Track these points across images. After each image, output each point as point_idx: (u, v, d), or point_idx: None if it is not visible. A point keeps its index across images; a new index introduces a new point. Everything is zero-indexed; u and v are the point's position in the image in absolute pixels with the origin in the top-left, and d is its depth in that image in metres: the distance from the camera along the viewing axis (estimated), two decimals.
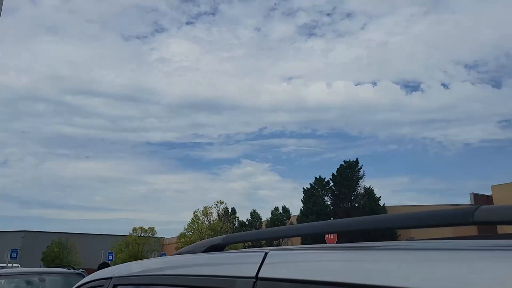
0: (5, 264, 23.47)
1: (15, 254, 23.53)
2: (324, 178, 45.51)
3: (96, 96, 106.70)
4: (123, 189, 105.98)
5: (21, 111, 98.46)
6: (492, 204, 43.20)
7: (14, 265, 23.38)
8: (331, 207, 43.81)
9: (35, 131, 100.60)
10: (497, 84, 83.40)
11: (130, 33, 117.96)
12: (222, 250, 1.73)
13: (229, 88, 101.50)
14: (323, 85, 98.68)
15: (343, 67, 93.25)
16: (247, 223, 50.84)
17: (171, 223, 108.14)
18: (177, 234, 55.65)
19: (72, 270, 7.41)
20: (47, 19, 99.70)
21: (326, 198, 45.04)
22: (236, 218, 50.70)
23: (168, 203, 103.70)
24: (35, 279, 7.08)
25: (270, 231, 1.51)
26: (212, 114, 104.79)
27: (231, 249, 1.77)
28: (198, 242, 1.86)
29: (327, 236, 14.25)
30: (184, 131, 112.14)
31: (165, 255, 32.31)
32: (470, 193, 44.36)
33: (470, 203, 43.40)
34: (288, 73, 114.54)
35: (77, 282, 7.24)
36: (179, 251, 2.01)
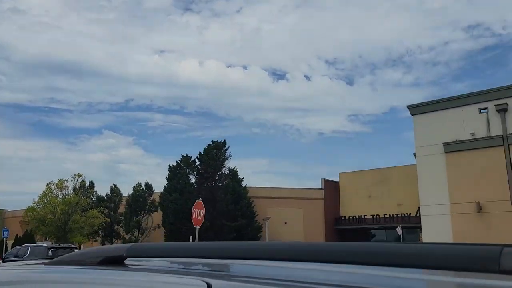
0: None
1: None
2: (191, 157, 45.42)
3: None
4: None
5: None
6: (339, 189, 47.85)
7: None
8: (195, 186, 44.02)
9: None
10: (350, 82, 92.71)
11: None
12: (123, 265, 1.35)
13: (94, 53, 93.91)
14: (196, 63, 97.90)
15: (216, 47, 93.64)
16: (106, 198, 48.26)
17: (15, 194, 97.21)
18: (23, 207, 50.19)
19: None
20: None
21: (191, 177, 45.07)
22: (94, 193, 47.72)
23: (13, 173, 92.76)
24: None
25: (205, 248, 1.20)
26: (73, 79, 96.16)
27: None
28: (90, 249, 1.44)
29: (193, 217, 14.10)
30: (39, 94, 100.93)
31: (7, 231, 28.77)
32: (321, 179, 48.74)
33: (320, 187, 47.77)
34: (160, 45, 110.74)
35: None
36: (58, 259, 1.56)
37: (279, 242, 1.15)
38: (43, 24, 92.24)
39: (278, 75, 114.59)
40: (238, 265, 1.26)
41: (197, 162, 45.13)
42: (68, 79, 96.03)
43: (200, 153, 45.05)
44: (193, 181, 44.86)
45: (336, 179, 48.71)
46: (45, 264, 1.56)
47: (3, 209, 57.22)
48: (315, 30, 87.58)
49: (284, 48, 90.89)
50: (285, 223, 44.30)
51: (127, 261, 1.35)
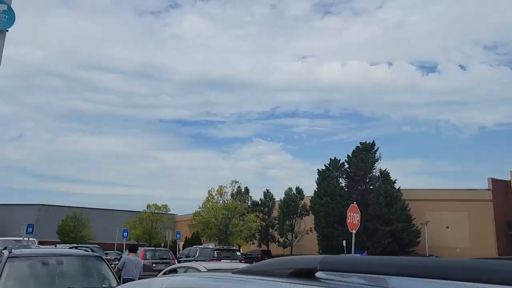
0: (21, 238, 23.65)
1: (31, 229, 23.66)
2: (339, 160, 44.95)
3: (109, 72, 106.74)
4: (135, 165, 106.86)
5: (35, 85, 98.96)
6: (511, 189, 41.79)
7: (30, 239, 23.58)
8: (345, 189, 43.37)
9: (49, 106, 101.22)
10: None
11: (144, 8, 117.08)
12: (315, 278, 1.26)
13: (241, 66, 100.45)
14: (337, 65, 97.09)
15: (358, 46, 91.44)
16: (260, 203, 50.77)
17: (182, 200, 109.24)
18: (188, 212, 55.99)
19: (91, 253, 7.12)
20: None
21: (340, 180, 44.58)
22: (249, 198, 50.62)
23: (180, 180, 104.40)
24: (52, 261, 6.79)
25: (412, 265, 1.03)
26: (225, 92, 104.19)
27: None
28: (280, 260, 1.39)
29: (349, 221, 13.74)
30: (196, 108, 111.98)
31: (179, 233, 32.13)
32: (488, 178, 43.50)
33: (488, 187, 42.66)
34: (302, 52, 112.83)
35: (94, 265, 6.85)
36: (245, 268, 1.56)
37: None
38: (197, 46, 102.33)
39: (428, 68, 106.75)
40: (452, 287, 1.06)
41: (346, 165, 44.45)
42: (221, 93, 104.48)
43: (348, 155, 44.31)
44: (343, 184, 44.29)
45: (506, 178, 42.93)
46: (233, 272, 1.57)
47: (174, 214, 64.52)
48: (468, 14, 79.26)
49: (433, 38, 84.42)
50: (447, 227, 40.67)
51: (319, 275, 1.26)
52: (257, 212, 46.54)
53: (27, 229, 23.52)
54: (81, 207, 60.68)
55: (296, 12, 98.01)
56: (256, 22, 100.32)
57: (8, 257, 6.50)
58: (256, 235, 47.74)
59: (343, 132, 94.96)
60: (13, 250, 7.05)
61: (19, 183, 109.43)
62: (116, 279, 6.78)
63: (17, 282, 6.19)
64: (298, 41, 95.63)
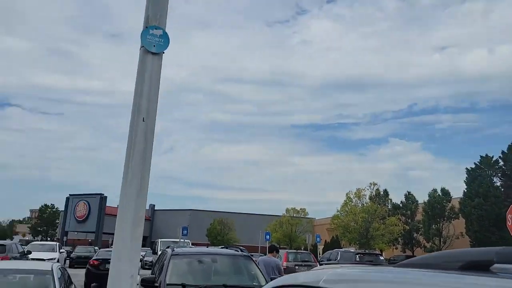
0: (178, 240, 26.33)
1: (185, 231, 26.32)
2: (492, 157, 40.30)
3: (244, 83, 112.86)
4: (272, 171, 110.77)
5: (181, 101, 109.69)
6: None
7: (185, 240, 26.10)
8: (502, 189, 38.63)
9: (194, 119, 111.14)
10: None
11: (272, 19, 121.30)
12: (491, 271, 1.18)
13: (373, 65, 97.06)
14: (484, 52, 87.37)
15: (507, 29, 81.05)
16: (401, 205, 48.20)
17: (318, 204, 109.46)
18: (325, 215, 55.81)
19: (241, 253, 7.60)
20: (198, 14, 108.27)
21: (494, 179, 39.90)
22: (389, 200, 48.40)
23: (316, 184, 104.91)
24: (208, 259, 7.42)
25: None
26: (357, 93, 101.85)
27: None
28: (445, 252, 1.33)
29: (509, 224, 12.22)
30: (329, 112, 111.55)
31: (319, 237, 32.16)
32: None
33: None
34: (440, 42, 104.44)
35: (244, 264, 7.22)
36: (408, 261, 1.53)
37: None
38: (326, 49, 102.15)
39: None
40: None
41: (501, 162, 39.63)
42: (352, 94, 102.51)
43: (503, 151, 39.47)
44: (498, 184, 39.56)
45: None
46: (394, 266, 1.54)
47: (312, 218, 64.98)
48: None
49: None
50: None
51: (495, 267, 1.17)
52: (399, 215, 44.21)
53: (182, 232, 26.19)
54: (226, 212, 65.01)
55: (430, 0, 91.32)
56: (387, 17, 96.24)
57: (172, 255, 7.31)
58: (399, 239, 45.33)
59: (494, 125, 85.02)
60: (174, 249, 7.91)
61: (173, 190, 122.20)
62: (264, 278, 7.11)
63: (179, 276, 6.90)
64: (435, 31, 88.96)
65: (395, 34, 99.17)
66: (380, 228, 38.62)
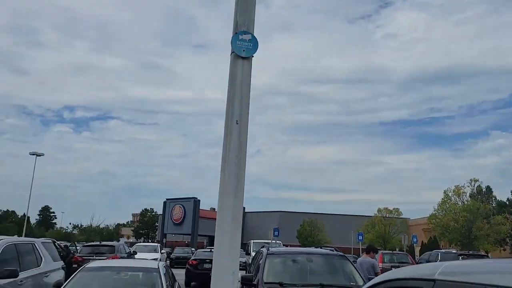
0: (270, 240, 26.75)
1: (277, 232, 26.67)
2: None
3: (327, 83, 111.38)
4: (360, 170, 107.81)
5: (265, 105, 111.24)
6: None
7: (277, 241, 26.42)
8: None
9: (278, 122, 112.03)
10: None
11: (354, 15, 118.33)
12: None
13: (467, 53, 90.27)
14: None
15: None
16: (507, 203, 44.16)
17: (412, 203, 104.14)
18: (420, 215, 52.91)
19: (336, 252, 7.52)
20: (277, 17, 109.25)
21: None
22: (493, 198, 44.56)
23: (407, 183, 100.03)
24: (303, 258, 7.45)
25: None
26: (449, 85, 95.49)
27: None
28: None
29: None
30: (419, 106, 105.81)
31: (416, 237, 30.62)
32: None
33: None
34: None
35: (340, 263, 7.09)
36: None
37: None
38: (413, 40, 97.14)
39: None
40: None
41: None
42: (444, 87, 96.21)
43: None
44: None
45: None
46: None
47: (406, 218, 62.06)
48: None
49: None
50: None
51: None
52: (506, 214, 40.50)
53: (274, 232, 26.57)
54: (315, 213, 64.59)
55: None
56: (480, 0, 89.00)
57: (268, 254, 7.46)
58: (507, 239, 41.50)
59: None
60: (270, 248, 8.06)
61: (262, 193, 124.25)
62: (362, 278, 6.96)
63: (276, 274, 7.01)
64: None
65: (490, 18, 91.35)
66: (485, 227, 35.67)
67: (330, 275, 7.17)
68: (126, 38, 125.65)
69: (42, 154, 40.20)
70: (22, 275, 7.21)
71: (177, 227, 62.58)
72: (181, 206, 62.13)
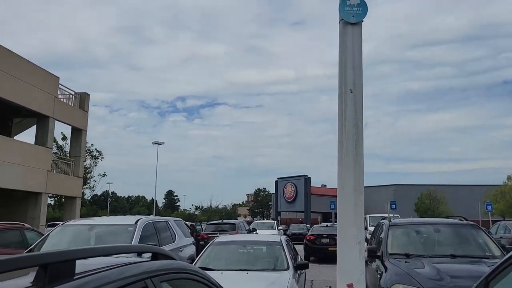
0: (386, 214, 25.95)
1: (394, 205, 25.80)
2: None
3: (437, 45, 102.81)
4: (481, 136, 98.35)
5: (370, 76, 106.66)
6: None
7: (395, 215, 25.54)
8: None
9: (384, 92, 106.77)
10: None
11: None
12: None
13: None
14: None
15: None
16: None
17: None
18: None
19: (467, 222, 7.03)
20: None
21: None
22: None
23: None
24: (429, 229, 7.10)
25: None
26: None
27: None
28: None
29: None
30: None
31: None
32: None
33: None
34: None
35: (471, 233, 6.58)
36: None
37: None
38: None
39: None
40: None
41: None
42: None
43: None
44: None
45: None
46: None
47: None
48: None
49: None
50: None
51: None
52: None
53: (390, 206, 25.76)
54: (434, 185, 60.83)
55: None
56: None
57: (390, 225, 7.25)
58: None
59: None
60: (391, 220, 7.82)
61: (373, 167, 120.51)
62: (500, 249, 6.41)
63: (400, 246, 6.77)
64: None
65: None
66: None
67: (461, 246, 6.73)
68: (227, 24, 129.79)
69: (163, 143, 43.72)
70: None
71: (290, 205, 63.89)
72: (292, 184, 63.16)
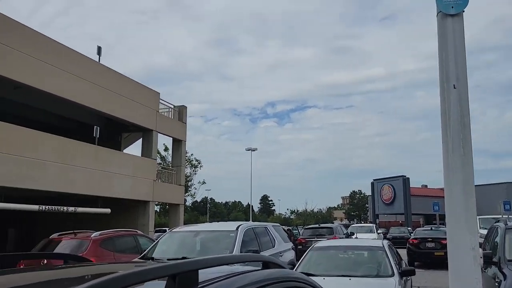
0: (499, 216, 23.69)
1: (508, 205, 23.45)
2: None
3: None
4: None
5: (471, 66, 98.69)
6: None
7: (509, 216, 23.21)
8: None
9: (488, 82, 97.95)
10: None
11: None
12: None
13: None
14: None
15: None
16: None
17: None
18: None
19: None
20: None
21: None
22: None
23: None
24: None
25: None
26: None
27: None
28: None
29: None
30: None
31: None
32: None
33: None
34: None
35: None
36: None
37: None
38: None
39: None
40: None
41: None
42: None
43: None
44: None
45: None
46: None
47: None
48: None
49: None
50: None
51: None
52: None
53: (504, 206, 23.46)
54: None
55: None
56: None
57: (506, 228, 6.64)
58: None
59: None
60: (508, 223, 7.16)
61: (480, 164, 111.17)
62: None
63: None
64: None
65: None
66: None
67: None
68: (312, 27, 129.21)
69: (256, 149, 44.72)
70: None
71: (388, 207, 61.30)
72: (389, 185, 60.59)
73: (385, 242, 7.67)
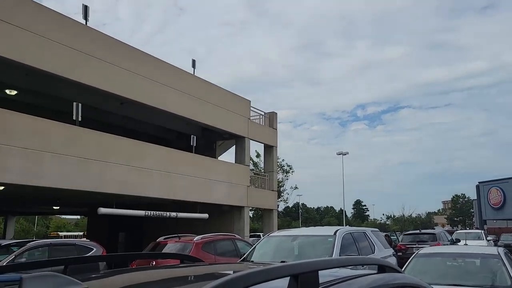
0: None
1: None
2: None
3: None
4: None
5: None
6: None
7: None
8: None
9: None
10: None
11: None
12: None
13: None
14: None
15: None
16: None
17: None
18: None
19: None
20: None
21: None
22: None
23: None
24: None
25: None
26: None
27: None
28: None
29: None
30: None
31: None
32: None
33: None
34: None
35: None
36: None
37: None
38: None
39: None
40: None
41: None
42: None
43: None
44: None
45: None
46: None
47: None
48: None
49: None
50: None
51: None
52: None
53: None
54: None
55: None
56: None
57: None
58: None
59: None
60: None
61: None
62: None
63: None
64: None
65: None
66: None
67: None
68: (403, 24, 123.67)
69: (347, 153, 43.75)
70: None
71: (497, 212, 55.97)
72: (498, 188, 55.34)
73: (501, 249, 7.02)
